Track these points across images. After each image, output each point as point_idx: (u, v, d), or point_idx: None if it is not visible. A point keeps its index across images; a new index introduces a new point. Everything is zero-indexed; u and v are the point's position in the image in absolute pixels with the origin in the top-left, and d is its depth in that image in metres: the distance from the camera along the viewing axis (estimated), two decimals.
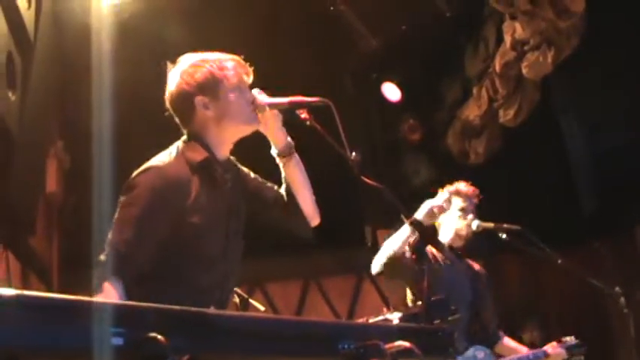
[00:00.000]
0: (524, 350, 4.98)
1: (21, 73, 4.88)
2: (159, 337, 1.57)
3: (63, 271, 7.13)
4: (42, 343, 1.49)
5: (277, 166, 3.14)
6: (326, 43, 8.16)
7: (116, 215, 2.73)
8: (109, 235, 2.68)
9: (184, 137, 2.94)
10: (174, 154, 2.85)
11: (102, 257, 2.64)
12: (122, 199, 2.74)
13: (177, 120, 2.99)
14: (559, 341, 4.95)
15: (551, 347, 4.87)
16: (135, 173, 2.78)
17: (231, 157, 3.04)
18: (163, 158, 2.83)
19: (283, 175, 3.14)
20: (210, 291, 2.81)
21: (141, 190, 2.72)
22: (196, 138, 2.91)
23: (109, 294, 2.52)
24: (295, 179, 3.12)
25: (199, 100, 2.88)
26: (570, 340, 4.96)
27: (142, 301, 2.47)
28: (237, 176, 3.04)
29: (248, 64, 3.00)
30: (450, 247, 4.89)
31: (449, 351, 2.37)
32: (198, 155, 2.86)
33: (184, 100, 2.91)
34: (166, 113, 2.99)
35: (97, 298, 2.48)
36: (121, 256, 2.61)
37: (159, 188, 2.72)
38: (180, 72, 2.94)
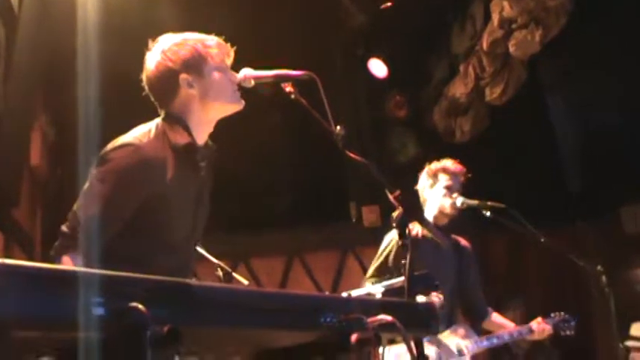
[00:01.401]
0: (511, 326, 5.04)
1: (4, 46, 4.84)
2: (140, 307, 1.57)
3: (46, 244, 7.10)
4: (23, 312, 1.49)
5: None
6: (313, 19, 8.13)
7: (86, 187, 2.67)
8: (75, 207, 2.65)
9: (163, 116, 2.86)
10: (154, 132, 2.76)
11: (64, 228, 2.61)
12: (94, 171, 2.66)
13: (155, 100, 2.90)
14: (545, 317, 5.05)
15: (536, 323, 4.99)
16: (111, 146, 2.69)
17: (211, 143, 2.96)
18: (141, 136, 2.73)
19: None
20: (175, 275, 2.77)
21: (113, 166, 2.63)
22: (178, 119, 2.83)
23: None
24: None
25: (184, 78, 2.81)
26: (558, 315, 5.06)
27: None
28: (210, 164, 2.96)
29: (229, 44, 2.95)
30: (435, 224, 4.90)
31: (430, 325, 2.38)
32: (182, 139, 2.79)
33: (168, 78, 2.83)
34: (144, 93, 2.91)
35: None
36: (83, 231, 2.56)
37: (133, 168, 2.63)
38: (162, 50, 2.85)
